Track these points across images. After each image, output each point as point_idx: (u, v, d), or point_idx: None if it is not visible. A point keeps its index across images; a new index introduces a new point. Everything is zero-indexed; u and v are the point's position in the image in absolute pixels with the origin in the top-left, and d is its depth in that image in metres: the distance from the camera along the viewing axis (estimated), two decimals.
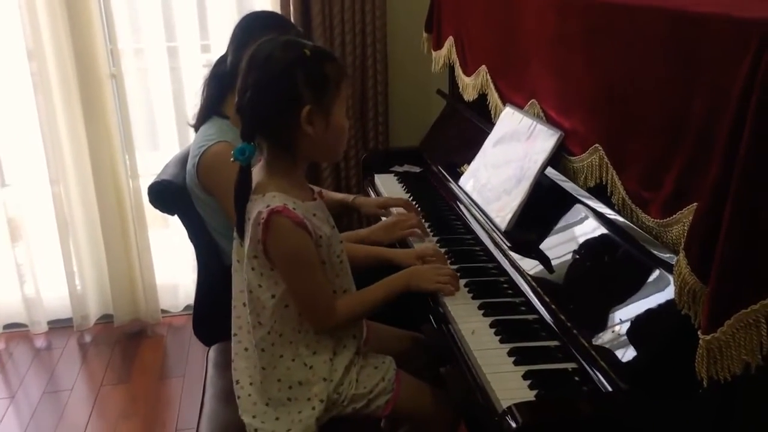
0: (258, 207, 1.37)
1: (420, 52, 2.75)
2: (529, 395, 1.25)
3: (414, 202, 2.15)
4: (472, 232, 1.92)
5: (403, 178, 2.49)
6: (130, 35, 2.88)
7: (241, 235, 1.44)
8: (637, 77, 1.34)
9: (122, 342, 3.05)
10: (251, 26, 1.87)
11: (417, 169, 2.56)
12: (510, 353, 1.38)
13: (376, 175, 2.53)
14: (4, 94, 2.91)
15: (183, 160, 2.00)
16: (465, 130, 2.33)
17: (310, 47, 1.38)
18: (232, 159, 1.36)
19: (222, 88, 1.91)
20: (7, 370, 2.87)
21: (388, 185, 2.44)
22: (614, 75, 1.43)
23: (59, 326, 3.16)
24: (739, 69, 0.97)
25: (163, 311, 3.20)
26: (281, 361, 1.45)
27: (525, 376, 1.30)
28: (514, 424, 1.14)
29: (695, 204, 1.14)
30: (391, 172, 2.56)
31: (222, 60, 1.94)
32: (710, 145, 1.08)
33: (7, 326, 3.14)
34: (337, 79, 1.39)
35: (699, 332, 1.03)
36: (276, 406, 1.46)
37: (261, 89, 1.34)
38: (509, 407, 1.17)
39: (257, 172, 1.44)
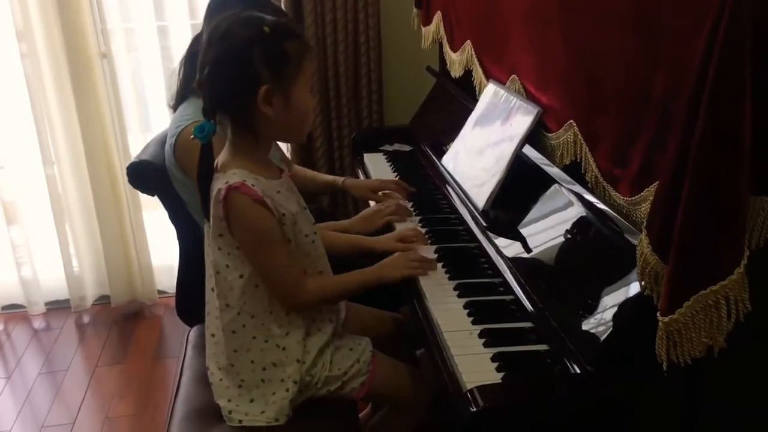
0: (218, 185, 1.35)
1: (413, 28, 2.70)
2: (496, 378, 1.23)
3: None
4: (456, 211, 1.89)
5: (392, 158, 2.46)
6: (120, 15, 2.85)
7: (207, 216, 1.42)
8: (605, 51, 1.30)
9: (119, 322, 3.06)
10: (225, 1, 1.83)
11: (407, 148, 2.53)
12: (480, 335, 1.36)
13: (365, 155, 2.50)
14: None
15: (163, 140, 1.97)
16: (453, 107, 2.29)
17: (270, 23, 1.33)
18: (191, 137, 1.33)
19: None
20: (5, 350, 2.89)
21: (376, 165, 2.41)
22: (585, 49, 1.39)
23: (57, 307, 3.18)
24: (698, 41, 0.93)
25: (160, 292, 3.20)
26: (254, 343, 1.43)
27: (493, 359, 1.28)
28: (473, 408, 1.12)
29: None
30: (380, 151, 2.53)
31: (198, 38, 1.89)
32: (672, 122, 1.04)
33: (5, 307, 3.16)
34: (299, 57, 1.35)
35: (658, 314, 1.00)
36: (249, 388, 1.45)
37: (218, 67, 1.31)
38: (470, 390, 1.15)
39: (222, 152, 1.42)
